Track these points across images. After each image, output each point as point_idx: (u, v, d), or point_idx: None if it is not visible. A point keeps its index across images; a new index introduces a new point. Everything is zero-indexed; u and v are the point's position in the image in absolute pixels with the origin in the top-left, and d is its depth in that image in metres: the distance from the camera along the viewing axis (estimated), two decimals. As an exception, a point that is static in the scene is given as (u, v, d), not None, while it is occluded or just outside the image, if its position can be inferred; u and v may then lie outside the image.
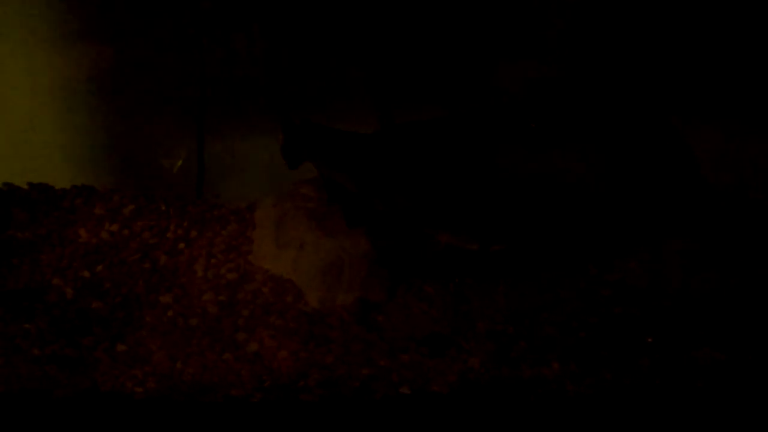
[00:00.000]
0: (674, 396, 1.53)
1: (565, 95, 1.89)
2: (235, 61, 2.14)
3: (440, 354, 1.56)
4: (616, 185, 1.72)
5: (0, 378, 1.43)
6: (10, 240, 1.82)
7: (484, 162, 1.74)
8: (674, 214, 1.71)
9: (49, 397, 1.41)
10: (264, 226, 1.83)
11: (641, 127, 1.78)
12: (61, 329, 1.53)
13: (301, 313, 1.62)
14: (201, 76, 2.09)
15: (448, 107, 2.04)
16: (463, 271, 1.77)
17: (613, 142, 1.74)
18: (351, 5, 2.04)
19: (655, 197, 1.71)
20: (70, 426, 1.41)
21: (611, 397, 1.54)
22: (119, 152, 2.17)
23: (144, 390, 1.44)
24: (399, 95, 2.12)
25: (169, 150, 2.19)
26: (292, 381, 1.50)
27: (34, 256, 1.76)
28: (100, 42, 2.12)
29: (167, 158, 2.18)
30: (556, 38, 1.94)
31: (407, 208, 1.72)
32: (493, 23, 1.99)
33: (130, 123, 2.19)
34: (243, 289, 1.70)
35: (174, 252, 1.82)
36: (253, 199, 1.98)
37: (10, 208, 1.90)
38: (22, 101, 2.07)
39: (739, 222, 1.79)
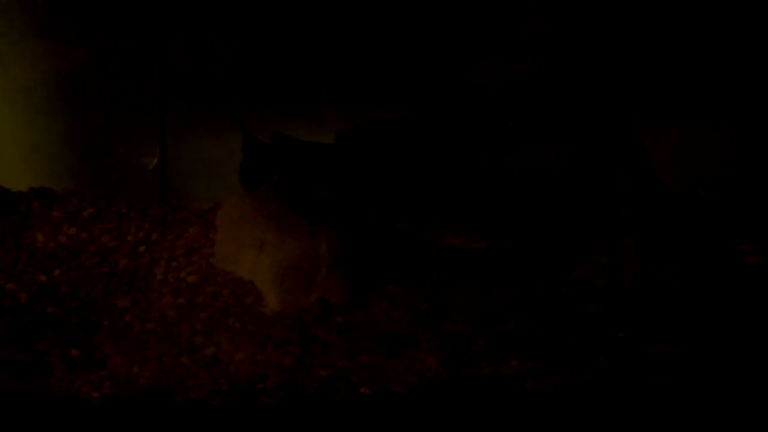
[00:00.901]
0: (631, 391, 1.55)
1: (537, 95, 1.90)
2: (201, 62, 2.13)
3: (399, 354, 1.57)
4: (579, 185, 1.74)
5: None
6: (-37, 245, 1.80)
7: (468, 162, 1.74)
8: (629, 213, 1.74)
9: (1, 405, 1.39)
10: (225, 228, 1.83)
11: (601, 128, 1.80)
12: (14, 335, 1.51)
13: (260, 316, 1.62)
14: (163, 77, 2.07)
15: (420, 105, 2.05)
16: (431, 271, 1.78)
17: (577, 142, 1.76)
18: (318, 5, 2.04)
19: (611, 196, 1.74)
20: (25, 433, 1.40)
21: (570, 394, 1.56)
22: (79, 154, 2.15)
23: (100, 395, 1.43)
24: (368, 94, 2.12)
25: (131, 152, 2.17)
26: (251, 384, 1.50)
27: (-13, 260, 1.74)
28: (60, 41, 2.10)
29: (137, 158, 2.16)
30: (533, 36, 1.95)
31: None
32: (471, 21, 2.00)
33: (91, 124, 2.17)
34: (203, 292, 1.69)
35: (134, 255, 1.81)
36: (218, 201, 1.98)
37: (-36, 211, 1.88)
38: (-24, 102, 2.05)
39: (692, 218, 1.82)
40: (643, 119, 1.90)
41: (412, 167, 1.74)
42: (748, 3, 1.83)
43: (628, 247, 1.74)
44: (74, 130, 2.11)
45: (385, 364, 1.56)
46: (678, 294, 1.68)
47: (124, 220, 1.90)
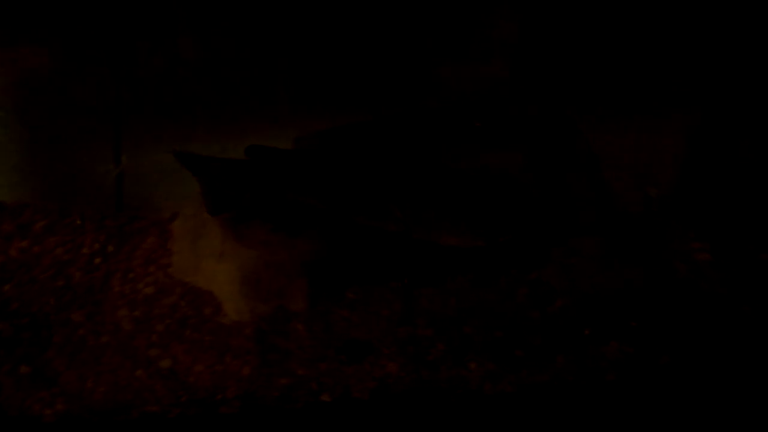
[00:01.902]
0: (587, 390, 1.58)
1: (504, 97, 1.93)
2: (162, 68, 2.11)
3: (359, 360, 1.57)
4: (536, 187, 1.76)
5: None
6: None
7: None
8: (584, 215, 1.77)
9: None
10: (182, 238, 1.81)
11: (554, 130, 1.83)
12: (-39, 354, 1.48)
13: (218, 326, 1.61)
14: (120, 83, 2.04)
15: (380, 109, 2.05)
16: (400, 275, 1.79)
17: (533, 144, 1.78)
18: (279, 9, 2.03)
19: (566, 198, 1.76)
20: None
21: (529, 395, 1.58)
22: (32, 165, 2.10)
23: (53, 412, 1.40)
24: (328, 99, 2.12)
25: (88, 161, 2.14)
26: (210, 394, 1.48)
27: (-67, 277, 1.70)
28: (11, 47, 2.05)
29: (94, 167, 2.12)
30: (501, 39, 1.97)
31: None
32: (438, 24, 2.01)
33: (44, 133, 2.13)
34: (160, 303, 1.67)
35: (89, 268, 1.78)
36: (177, 210, 1.95)
37: None
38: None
39: (645, 218, 1.86)
40: (596, 120, 1.94)
41: (393, 170, 1.74)
42: (701, 4, 1.88)
43: (584, 248, 1.77)
44: (25, 141, 2.07)
45: (344, 371, 1.56)
46: (632, 293, 1.72)
47: (79, 232, 1.86)
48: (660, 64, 1.97)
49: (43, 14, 2.00)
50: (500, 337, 1.65)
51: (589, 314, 1.69)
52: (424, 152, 1.78)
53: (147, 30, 2.04)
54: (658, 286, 1.73)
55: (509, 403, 1.57)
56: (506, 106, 1.89)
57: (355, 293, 1.77)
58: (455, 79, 2.03)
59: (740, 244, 1.85)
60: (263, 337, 1.59)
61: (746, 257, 1.83)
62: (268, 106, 2.10)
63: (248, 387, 1.51)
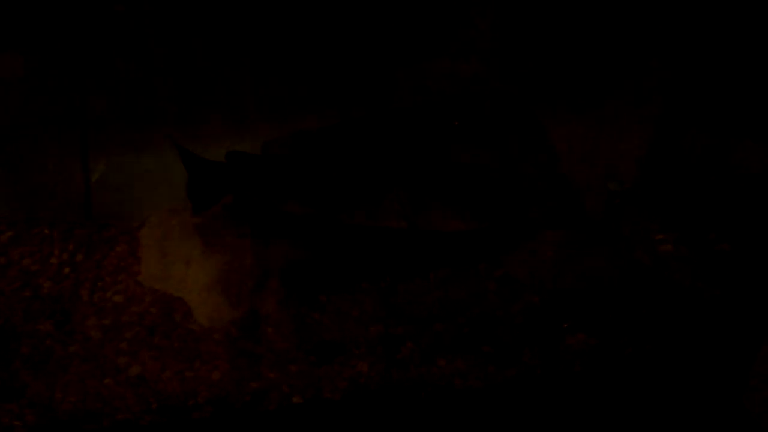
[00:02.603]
0: (554, 382, 1.61)
1: (480, 95, 1.94)
2: (129, 74, 2.09)
3: (328, 361, 1.59)
4: (503, 182, 1.79)
5: None
6: None
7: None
8: (548, 209, 1.80)
9: None
10: (151, 245, 1.81)
11: (519, 126, 1.86)
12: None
13: (188, 332, 1.61)
14: (85, 90, 2.02)
15: (348, 110, 2.05)
16: (372, 276, 1.80)
17: (498, 141, 1.81)
18: (245, 11, 2.02)
19: (531, 193, 1.79)
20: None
21: (497, 389, 1.61)
22: (-1, 175, 2.09)
23: (23, 423, 1.40)
24: (295, 102, 2.12)
25: (55, 169, 2.12)
26: (181, 401, 1.49)
27: None
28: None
29: (60, 176, 2.10)
30: (478, 37, 1.99)
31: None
32: (418, 23, 2.01)
33: (9, 143, 2.11)
34: (129, 311, 1.67)
35: (58, 278, 1.77)
36: (146, 217, 1.95)
37: None
38: None
39: (607, 212, 1.90)
40: (562, 115, 1.97)
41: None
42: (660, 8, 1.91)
43: (548, 242, 1.80)
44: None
45: (315, 372, 1.58)
46: (596, 286, 1.75)
47: (47, 242, 1.85)
48: (622, 60, 2.00)
49: (3, 22, 1.99)
50: (468, 333, 1.68)
51: (555, 308, 1.72)
52: (400, 150, 1.79)
53: (111, 35, 2.03)
54: (622, 279, 1.77)
55: (479, 397, 1.60)
56: (481, 103, 1.91)
57: (326, 296, 1.78)
58: (433, 77, 2.05)
59: (701, 235, 1.89)
60: (233, 342, 1.60)
61: (707, 247, 1.87)
62: (235, 110, 2.10)
63: (219, 392, 1.52)
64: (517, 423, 1.56)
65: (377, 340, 1.65)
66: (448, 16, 1.98)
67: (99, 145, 2.08)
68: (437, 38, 2.00)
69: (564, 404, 1.57)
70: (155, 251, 1.77)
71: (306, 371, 1.56)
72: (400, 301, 1.77)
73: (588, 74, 1.99)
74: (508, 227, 1.79)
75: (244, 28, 2.02)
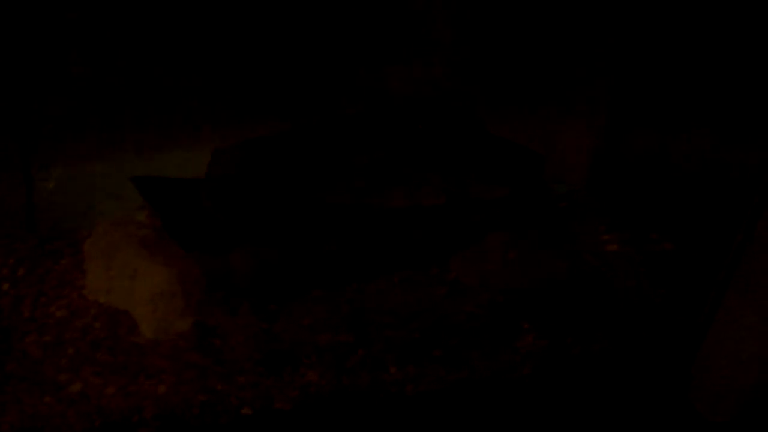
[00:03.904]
0: (504, 384, 1.62)
1: (441, 99, 1.95)
2: (72, 84, 2.04)
3: (278, 372, 1.57)
4: (455, 186, 1.80)
5: None
6: None
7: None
8: (495, 212, 1.81)
9: None
10: (95, 258, 1.76)
11: (463, 129, 1.87)
12: None
13: (132, 346, 1.57)
14: (25, 101, 1.97)
15: (299, 117, 2.03)
16: (326, 283, 1.78)
17: (443, 146, 1.81)
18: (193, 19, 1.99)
19: (476, 197, 1.81)
20: None
21: (449, 393, 1.61)
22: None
23: (-41, 447, 1.35)
24: (244, 110, 2.09)
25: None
26: (125, 417, 1.45)
27: None
28: None
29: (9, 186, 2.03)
30: (439, 41, 2.00)
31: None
32: (379, 28, 2.00)
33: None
34: (72, 326, 1.63)
35: (-3, 295, 1.72)
36: (91, 229, 1.90)
37: None
38: None
39: (554, 213, 1.92)
40: (512, 117, 1.99)
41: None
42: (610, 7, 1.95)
43: (496, 245, 1.81)
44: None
45: (264, 383, 1.56)
46: (544, 287, 1.77)
47: (-14, 258, 1.80)
48: (570, 63, 2.04)
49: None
50: (419, 338, 1.68)
51: (504, 310, 1.73)
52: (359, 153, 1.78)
53: (52, 45, 1.98)
54: (570, 280, 1.79)
55: (431, 402, 1.60)
56: (438, 107, 1.92)
57: (277, 304, 1.76)
58: (396, 81, 2.05)
59: (646, 235, 1.93)
60: (179, 355, 1.57)
61: (651, 247, 1.91)
62: (184, 119, 2.07)
63: (166, 406, 1.48)
64: (471, 426, 1.56)
65: (328, 348, 1.64)
66: (407, 21, 1.98)
67: (45, 156, 2.03)
68: (396, 43, 2.00)
69: (516, 405, 1.58)
70: (100, 264, 1.72)
71: (255, 382, 1.54)
72: (352, 308, 1.76)
73: (537, 79, 2.02)
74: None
75: (192, 38, 2.00)
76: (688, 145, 1.79)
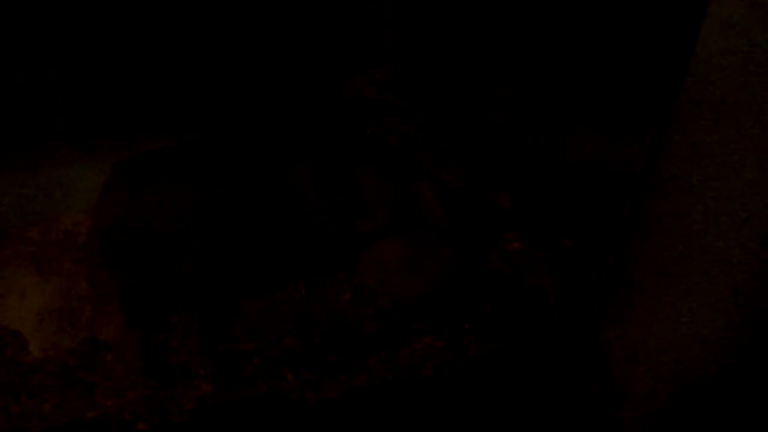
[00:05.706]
0: (405, 386, 1.63)
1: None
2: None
3: (170, 385, 1.55)
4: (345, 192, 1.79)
5: None
6: None
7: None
8: (387, 213, 1.82)
9: None
10: (-16, 276, 1.72)
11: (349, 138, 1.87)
12: None
13: (18, 365, 1.53)
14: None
15: (205, 129, 2.00)
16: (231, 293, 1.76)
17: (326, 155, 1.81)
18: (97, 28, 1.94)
19: (363, 205, 1.81)
20: None
21: (349, 398, 1.61)
22: None
23: None
24: (145, 122, 2.05)
25: None
26: (10, 438, 1.42)
27: None
28: None
29: None
30: (389, 47, 1.99)
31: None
32: (331, 37, 1.99)
33: None
34: (-43, 347, 1.58)
35: None
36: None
37: None
38: None
39: (454, 213, 1.94)
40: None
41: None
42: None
43: (397, 248, 1.82)
44: None
45: (158, 396, 1.53)
46: (444, 287, 1.79)
47: None
48: (484, 66, 2.06)
49: None
50: (320, 344, 1.68)
51: (403, 312, 1.74)
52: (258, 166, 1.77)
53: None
54: (469, 278, 1.81)
55: (332, 409, 1.59)
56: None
57: (177, 316, 1.74)
58: (348, 88, 2.04)
59: (547, 232, 1.97)
60: (66, 372, 1.53)
61: (552, 244, 1.95)
62: (81, 132, 2.02)
63: (54, 424, 1.45)
64: (374, 430, 1.56)
65: (224, 358, 1.62)
66: (357, 27, 1.98)
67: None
68: (350, 52, 2.00)
69: (418, 407, 1.59)
70: (-11, 282, 1.68)
71: (147, 396, 1.52)
72: (253, 317, 1.75)
73: (458, 77, 2.04)
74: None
75: (89, 46, 1.95)
76: (578, 142, 1.83)
